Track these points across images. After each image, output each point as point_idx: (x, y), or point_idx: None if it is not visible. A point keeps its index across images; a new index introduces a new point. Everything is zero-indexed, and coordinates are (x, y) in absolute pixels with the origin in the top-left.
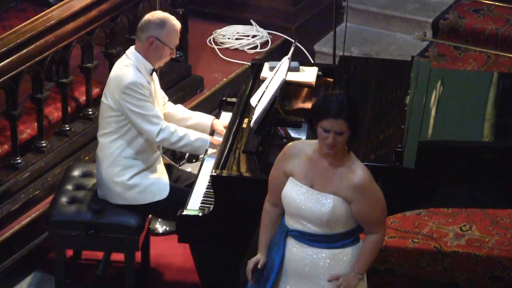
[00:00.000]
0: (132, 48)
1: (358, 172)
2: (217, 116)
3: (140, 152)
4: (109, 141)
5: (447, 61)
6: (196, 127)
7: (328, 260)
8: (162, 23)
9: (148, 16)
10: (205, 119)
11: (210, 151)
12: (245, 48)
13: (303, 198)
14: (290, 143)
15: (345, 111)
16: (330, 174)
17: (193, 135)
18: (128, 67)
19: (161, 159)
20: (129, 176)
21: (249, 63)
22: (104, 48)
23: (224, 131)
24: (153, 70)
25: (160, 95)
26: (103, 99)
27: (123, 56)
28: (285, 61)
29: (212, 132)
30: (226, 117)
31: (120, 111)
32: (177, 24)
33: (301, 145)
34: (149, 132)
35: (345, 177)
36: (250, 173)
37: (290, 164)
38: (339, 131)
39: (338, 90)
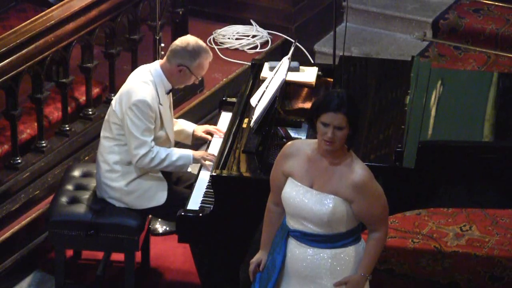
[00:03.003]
0: (157, 64)
1: (357, 170)
2: (217, 116)
3: None
4: (110, 146)
5: (447, 61)
6: (179, 134)
7: (329, 260)
8: (196, 55)
9: (184, 43)
10: (187, 126)
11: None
12: (245, 48)
13: (303, 198)
14: (288, 142)
15: (345, 106)
16: (330, 173)
17: (175, 154)
18: (147, 84)
19: None
20: (127, 182)
21: (249, 63)
22: (104, 48)
23: (203, 135)
24: (171, 90)
25: (172, 111)
26: (112, 103)
27: (145, 69)
28: (285, 61)
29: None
30: (226, 117)
31: (122, 122)
32: (210, 56)
33: (300, 144)
34: (132, 154)
35: (345, 176)
36: (250, 173)
37: (289, 163)
38: (338, 126)
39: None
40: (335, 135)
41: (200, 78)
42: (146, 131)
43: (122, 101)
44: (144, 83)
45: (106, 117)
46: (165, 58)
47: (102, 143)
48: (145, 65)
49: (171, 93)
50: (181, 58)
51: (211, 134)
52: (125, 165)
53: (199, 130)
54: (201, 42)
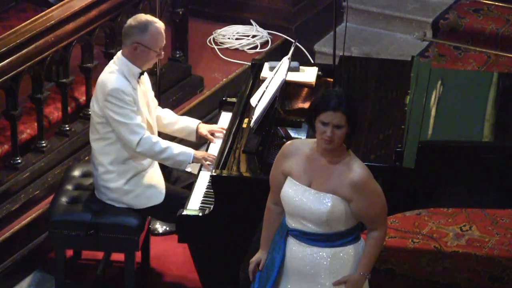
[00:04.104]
0: (119, 53)
1: (356, 170)
2: (217, 116)
3: (133, 157)
4: (101, 147)
5: (447, 61)
6: (182, 131)
7: (329, 259)
8: (144, 28)
9: (130, 21)
10: (190, 123)
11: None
12: (245, 48)
13: (301, 197)
14: (288, 142)
15: (344, 105)
16: (329, 172)
17: (177, 149)
18: (113, 73)
19: (156, 162)
20: (124, 181)
21: (249, 63)
22: (104, 48)
23: (208, 135)
24: (141, 73)
25: (151, 97)
26: (91, 105)
27: (111, 62)
28: (285, 61)
29: (202, 139)
30: (226, 117)
31: (105, 118)
32: (160, 26)
33: (299, 143)
34: (129, 142)
35: (344, 175)
36: (250, 173)
37: (288, 163)
38: (337, 124)
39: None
40: (334, 134)
41: (161, 51)
42: (131, 114)
43: (97, 98)
44: (109, 73)
45: (90, 121)
46: (122, 45)
47: (93, 146)
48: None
49: (144, 77)
50: (131, 37)
51: (214, 135)
52: (120, 163)
53: (204, 128)
54: (146, 16)
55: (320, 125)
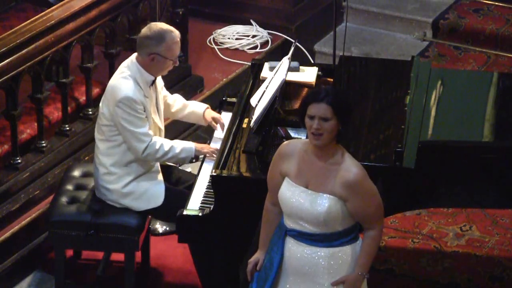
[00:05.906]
0: (133, 57)
1: (352, 169)
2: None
3: (135, 160)
4: (105, 148)
5: (447, 61)
6: (190, 117)
7: (327, 259)
8: (160, 38)
9: (146, 31)
10: (197, 108)
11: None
12: (245, 48)
13: (298, 198)
14: (285, 142)
15: (330, 97)
16: (325, 173)
17: (178, 148)
18: (127, 79)
19: (157, 164)
20: (123, 184)
21: (249, 63)
22: (104, 48)
23: (212, 122)
24: (154, 80)
25: (162, 99)
26: (100, 105)
27: (124, 65)
28: (285, 61)
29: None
30: (226, 117)
31: (113, 122)
32: (176, 35)
33: (295, 144)
34: (135, 148)
35: (339, 176)
36: (250, 173)
37: (285, 164)
38: (323, 117)
39: None
40: (321, 126)
41: (177, 60)
42: (140, 122)
43: (108, 101)
44: (123, 79)
45: (97, 120)
46: (137, 52)
47: (97, 145)
48: (124, 61)
49: (156, 84)
50: (148, 47)
51: (216, 122)
52: (122, 166)
53: (209, 114)
54: (162, 25)
55: (308, 119)
